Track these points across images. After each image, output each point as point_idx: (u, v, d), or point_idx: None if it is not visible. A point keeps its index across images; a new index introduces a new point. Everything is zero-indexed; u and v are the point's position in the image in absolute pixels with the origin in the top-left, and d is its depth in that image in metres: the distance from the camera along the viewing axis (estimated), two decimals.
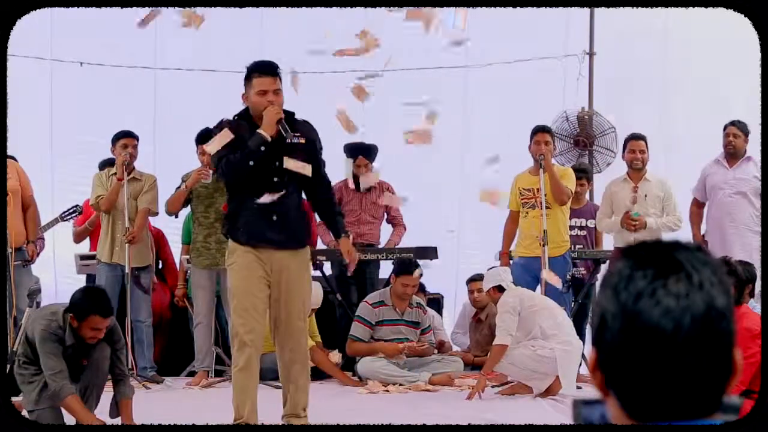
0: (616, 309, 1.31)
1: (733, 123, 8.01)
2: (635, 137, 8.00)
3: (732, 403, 1.34)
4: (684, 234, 7.98)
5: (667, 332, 1.28)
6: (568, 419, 4.43)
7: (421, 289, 8.49)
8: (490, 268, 7.49)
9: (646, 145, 7.92)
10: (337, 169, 8.79)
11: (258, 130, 5.24)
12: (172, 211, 7.86)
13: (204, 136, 7.77)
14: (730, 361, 1.32)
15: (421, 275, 7.95)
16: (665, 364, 1.29)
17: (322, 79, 9.50)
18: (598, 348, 1.33)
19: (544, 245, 7.33)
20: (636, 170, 7.92)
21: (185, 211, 8.02)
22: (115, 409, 5.47)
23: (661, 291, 1.29)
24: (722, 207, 7.89)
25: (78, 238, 8.72)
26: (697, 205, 8.08)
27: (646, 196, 7.81)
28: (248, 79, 5.35)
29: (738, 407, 1.35)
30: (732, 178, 7.90)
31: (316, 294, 8.18)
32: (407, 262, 7.91)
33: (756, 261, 7.08)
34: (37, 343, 5.32)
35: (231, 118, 5.37)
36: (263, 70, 5.31)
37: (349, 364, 8.06)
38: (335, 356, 7.85)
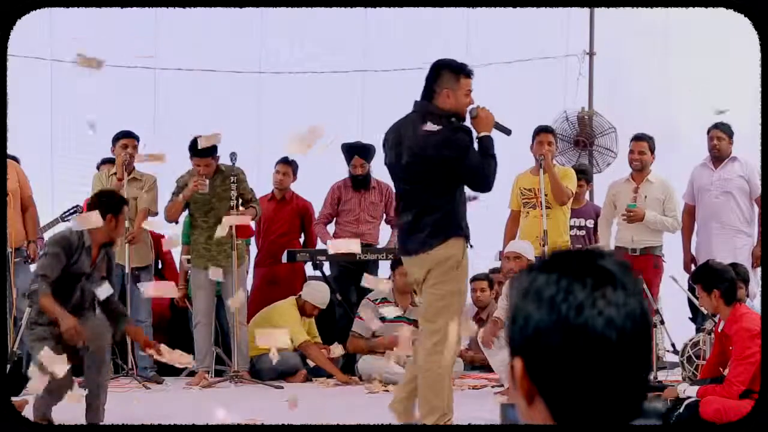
0: (555, 320, 1.31)
1: (716, 126, 7.96)
2: (636, 138, 7.98)
3: (654, 408, 1.37)
4: (674, 240, 7.99)
5: (612, 341, 1.30)
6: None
7: None
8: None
9: (650, 146, 7.87)
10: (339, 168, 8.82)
11: (485, 133, 5.35)
12: (172, 220, 7.85)
13: (197, 147, 7.68)
14: (650, 363, 1.36)
15: None
16: (609, 371, 1.30)
17: (322, 79, 9.50)
18: (529, 357, 1.33)
19: (544, 245, 7.33)
20: (637, 171, 7.91)
21: (185, 212, 8.01)
22: None
23: (601, 301, 1.31)
24: (709, 208, 7.89)
25: None
26: (689, 214, 8.05)
27: (646, 197, 7.80)
28: (452, 78, 5.30)
29: (661, 413, 1.38)
30: (718, 179, 7.89)
31: (324, 295, 8.18)
32: None
33: (742, 261, 7.11)
34: (48, 244, 5.67)
35: (457, 123, 5.33)
36: (468, 72, 5.34)
37: (349, 363, 8.05)
38: (337, 349, 7.83)
